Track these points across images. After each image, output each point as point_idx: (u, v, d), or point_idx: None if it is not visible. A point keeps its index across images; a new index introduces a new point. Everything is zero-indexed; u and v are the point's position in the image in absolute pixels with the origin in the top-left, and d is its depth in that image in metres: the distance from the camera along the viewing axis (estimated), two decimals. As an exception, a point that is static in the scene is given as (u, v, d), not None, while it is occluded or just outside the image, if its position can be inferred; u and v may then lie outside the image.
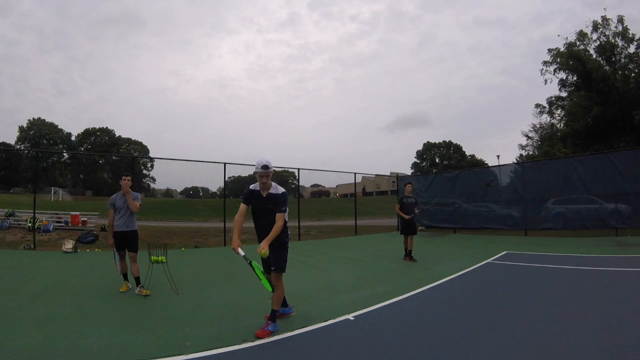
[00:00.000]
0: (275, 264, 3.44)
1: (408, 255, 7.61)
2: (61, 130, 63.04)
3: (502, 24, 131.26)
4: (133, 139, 66.33)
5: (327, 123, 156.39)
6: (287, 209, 3.45)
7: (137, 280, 4.75)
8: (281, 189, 3.48)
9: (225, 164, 11.26)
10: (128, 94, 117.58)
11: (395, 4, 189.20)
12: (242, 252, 3.26)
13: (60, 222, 12.07)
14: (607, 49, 22.94)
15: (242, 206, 3.53)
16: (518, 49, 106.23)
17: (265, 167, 3.36)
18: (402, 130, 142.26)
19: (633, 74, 22.07)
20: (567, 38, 24.99)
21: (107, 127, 65.89)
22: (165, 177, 11.57)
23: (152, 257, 4.91)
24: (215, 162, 11.34)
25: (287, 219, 3.51)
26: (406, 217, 7.69)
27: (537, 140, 35.31)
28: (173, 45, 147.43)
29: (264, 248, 3.21)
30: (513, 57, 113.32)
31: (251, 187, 3.56)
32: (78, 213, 12.70)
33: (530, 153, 34.98)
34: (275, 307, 3.41)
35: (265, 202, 3.47)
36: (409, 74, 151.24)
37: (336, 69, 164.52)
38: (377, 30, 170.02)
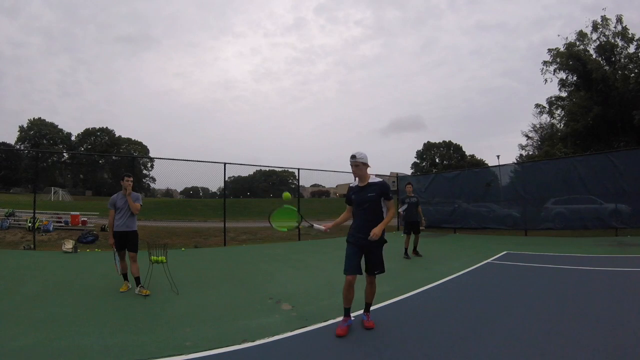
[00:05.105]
0: (378, 266, 3.49)
1: (413, 250, 8.00)
2: (61, 130, 63.22)
3: (503, 28, 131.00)
4: (133, 139, 66.52)
5: (329, 124, 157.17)
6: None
7: (137, 280, 4.75)
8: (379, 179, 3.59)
9: (225, 163, 11.26)
10: (133, 96, 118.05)
11: (399, 9, 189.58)
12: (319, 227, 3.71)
13: (60, 222, 12.06)
14: (607, 49, 22.99)
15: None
16: (518, 52, 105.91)
17: (353, 156, 3.46)
18: (403, 131, 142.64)
19: (633, 74, 22.09)
20: (567, 38, 25.08)
21: (107, 127, 66.09)
22: (166, 177, 11.54)
23: (152, 257, 4.91)
24: (215, 162, 11.34)
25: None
26: (423, 224, 8.16)
27: (537, 140, 35.34)
28: (180, 48, 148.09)
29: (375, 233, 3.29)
30: (513, 60, 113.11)
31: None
32: (78, 213, 12.67)
33: (530, 153, 35.03)
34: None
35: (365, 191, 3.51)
36: (411, 77, 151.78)
37: (340, 72, 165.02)
38: (381, 34, 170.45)
